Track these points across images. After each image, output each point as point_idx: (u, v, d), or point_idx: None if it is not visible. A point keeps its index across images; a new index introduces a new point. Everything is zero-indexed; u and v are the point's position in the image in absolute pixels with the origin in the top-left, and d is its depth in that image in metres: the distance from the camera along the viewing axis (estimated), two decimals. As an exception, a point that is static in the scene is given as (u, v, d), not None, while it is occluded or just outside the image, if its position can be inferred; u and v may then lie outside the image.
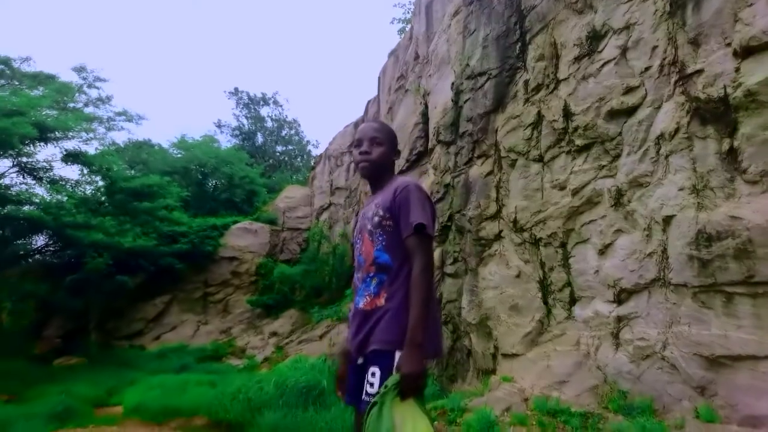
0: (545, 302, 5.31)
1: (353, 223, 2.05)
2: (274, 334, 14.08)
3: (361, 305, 1.75)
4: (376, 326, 1.67)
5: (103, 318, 14.67)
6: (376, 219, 1.79)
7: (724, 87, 3.60)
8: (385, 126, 2.02)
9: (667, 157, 4.06)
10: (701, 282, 3.68)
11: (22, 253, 14.23)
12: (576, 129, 4.96)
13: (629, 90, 4.45)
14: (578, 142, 4.95)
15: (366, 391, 1.60)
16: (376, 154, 1.90)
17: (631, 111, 4.45)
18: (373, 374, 1.60)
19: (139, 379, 9.53)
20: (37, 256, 14.84)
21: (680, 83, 3.99)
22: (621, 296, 4.44)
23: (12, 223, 12.19)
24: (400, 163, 10.15)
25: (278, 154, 30.67)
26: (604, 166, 4.71)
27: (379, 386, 1.54)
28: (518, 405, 4.57)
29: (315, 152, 28.55)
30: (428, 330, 1.60)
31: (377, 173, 1.93)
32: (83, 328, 14.33)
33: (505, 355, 5.58)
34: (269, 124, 30.33)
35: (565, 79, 5.21)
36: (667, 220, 3.98)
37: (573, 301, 5.02)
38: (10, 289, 13.02)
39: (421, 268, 1.64)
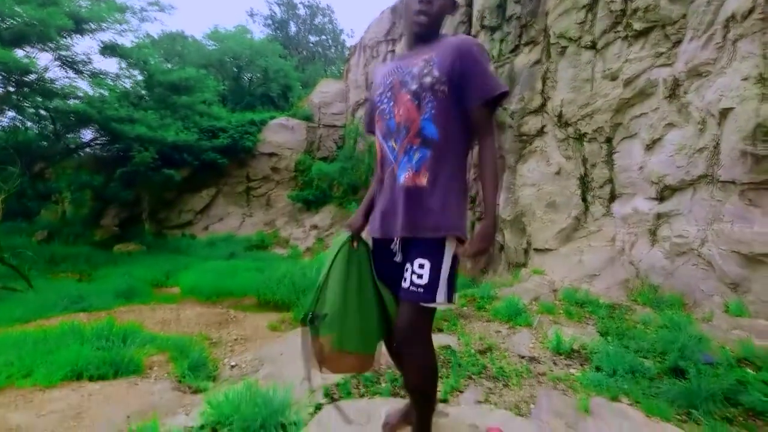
0: (584, 199, 5.25)
1: (376, 77, 1.67)
2: (314, 227, 14.73)
3: (402, 180, 1.50)
4: (421, 210, 1.48)
5: (155, 209, 15.64)
6: (428, 80, 1.45)
7: (819, -45, 3.11)
8: None
9: (734, 42, 3.67)
10: (752, 179, 3.51)
11: (73, 146, 14.94)
12: (635, 11, 4.50)
13: (703, -38, 3.92)
14: (636, 26, 4.51)
15: (412, 281, 1.46)
16: (437, 6, 1.51)
17: (701, -12, 3.96)
18: (422, 266, 1.46)
19: (192, 265, 10.38)
20: (88, 149, 15.57)
21: (765, -48, 3.47)
22: (664, 193, 4.32)
23: (61, 117, 12.66)
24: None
25: (312, 45, 29.51)
26: (662, 54, 4.33)
27: (429, 278, 1.44)
28: (547, 295, 4.73)
29: (349, 43, 27.32)
30: (461, 214, 1.52)
31: (433, 30, 1.56)
32: (137, 217, 15.38)
33: (537, 250, 5.68)
34: (302, 11, 28.83)
35: (629, -48, 4.62)
36: (724, 113, 3.72)
37: (613, 198, 4.95)
38: (68, 179, 13.94)
39: (494, 146, 1.51)
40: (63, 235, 12.88)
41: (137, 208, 15.35)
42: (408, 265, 1.49)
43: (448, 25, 9.43)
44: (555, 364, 3.23)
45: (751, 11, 3.54)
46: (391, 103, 1.53)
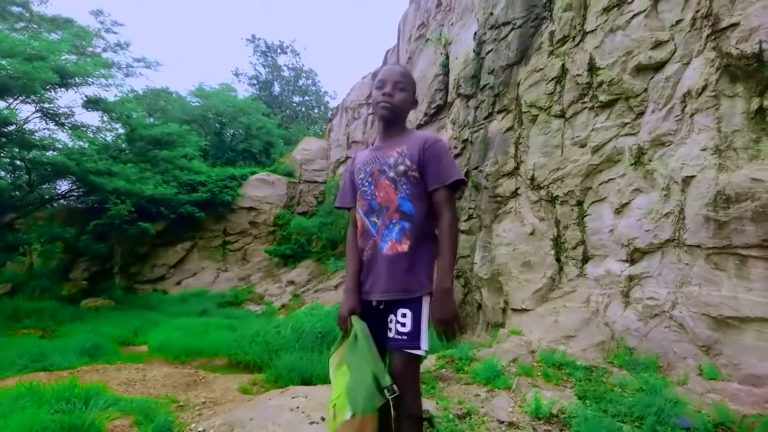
0: (558, 260, 5.36)
1: (356, 163, 2.01)
2: (291, 282, 14.50)
3: (384, 250, 1.77)
4: (401, 273, 1.72)
5: (127, 262, 15.23)
6: (402, 168, 1.79)
7: (760, 42, 3.44)
8: (409, 72, 1.97)
9: (692, 115, 3.96)
10: (716, 243, 3.67)
11: (47, 197, 14.67)
12: (600, 84, 4.82)
13: (658, 44, 4.28)
14: (602, 97, 4.83)
15: (396, 330, 1.69)
16: (398, 99, 1.87)
17: (658, 66, 4.29)
18: (404, 315, 1.69)
19: (162, 322, 10.00)
20: (62, 201, 15.30)
21: (712, 38, 3.82)
22: (634, 256, 4.45)
23: (37, 167, 12.50)
24: (418, 117, 10.01)
25: (295, 104, 30.39)
26: (626, 124, 4.61)
27: (412, 326, 1.66)
28: (525, 357, 4.71)
29: (332, 104, 28.26)
30: (432, 273, 1.77)
31: (395, 118, 1.90)
32: (108, 271, 14.92)
33: (514, 310, 5.70)
34: (286, 73, 29.90)
35: (592, 31, 5.01)
36: (687, 181, 3.93)
37: (586, 259, 5.06)
38: (38, 231, 13.55)
39: (451, 220, 1.73)
40: (28, 289, 12.35)
41: (108, 261, 14.93)
42: (392, 316, 1.73)
43: (426, 91, 9.91)
44: (534, 429, 3.17)
45: (704, 88, 3.85)
46: (372, 187, 1.86)
